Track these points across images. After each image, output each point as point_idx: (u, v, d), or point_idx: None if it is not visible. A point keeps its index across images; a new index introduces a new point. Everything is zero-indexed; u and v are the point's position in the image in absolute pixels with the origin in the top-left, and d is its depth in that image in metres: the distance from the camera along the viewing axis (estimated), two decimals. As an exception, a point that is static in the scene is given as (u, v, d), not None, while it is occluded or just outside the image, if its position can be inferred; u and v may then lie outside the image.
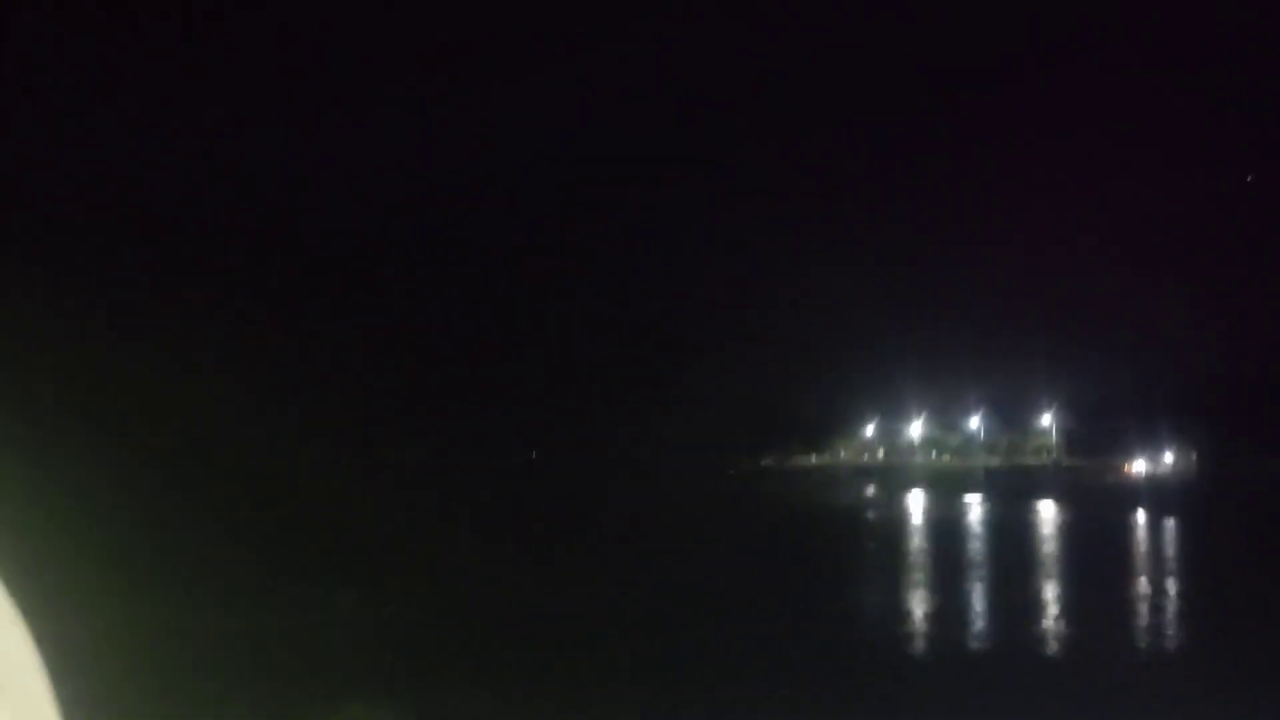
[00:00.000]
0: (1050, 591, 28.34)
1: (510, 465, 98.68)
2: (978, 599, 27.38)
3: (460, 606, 23.15)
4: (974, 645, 21.11)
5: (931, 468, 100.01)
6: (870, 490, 77.06)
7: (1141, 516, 52.27)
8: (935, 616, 24.96)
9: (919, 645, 21.15)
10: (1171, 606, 26.30)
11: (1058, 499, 62.98)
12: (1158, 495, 63.13)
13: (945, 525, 50.64)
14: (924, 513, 59.83)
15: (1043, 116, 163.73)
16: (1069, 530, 48.33)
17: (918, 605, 26.44)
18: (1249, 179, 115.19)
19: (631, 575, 29.20)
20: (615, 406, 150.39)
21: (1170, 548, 42.27)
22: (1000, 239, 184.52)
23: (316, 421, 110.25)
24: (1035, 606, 25.54)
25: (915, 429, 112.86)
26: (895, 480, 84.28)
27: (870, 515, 57.68)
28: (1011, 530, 47.51)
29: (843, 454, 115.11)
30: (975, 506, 60.56)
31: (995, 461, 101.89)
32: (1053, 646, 20.74)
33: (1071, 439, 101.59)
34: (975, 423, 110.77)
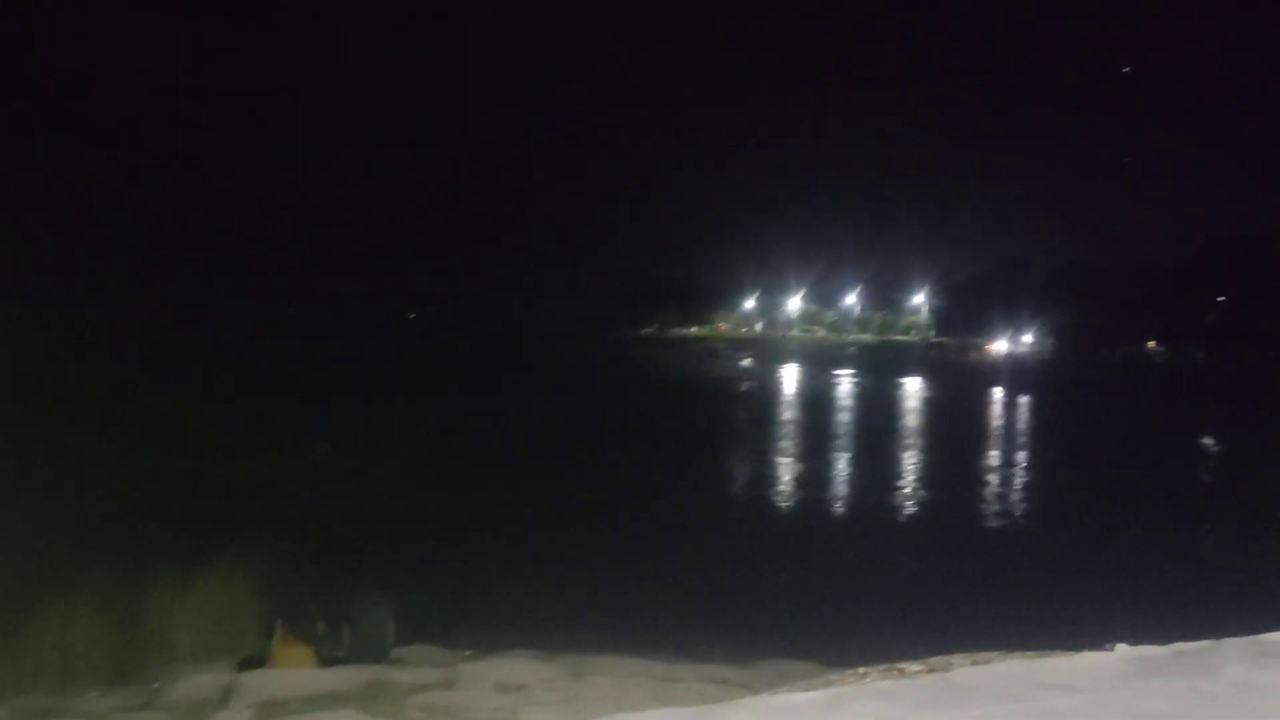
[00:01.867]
0: (890, 458, 29.93)
1: (393, 325, 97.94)
2: (828, 465, 28.84)
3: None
4: (820, 505, 22.39)
5: (807, 342, 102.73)
6: (745, 362, 78.89)
7: (995, 394, 55.16)
8: (790, 479, 26.26)
9: (772, 505, 22.31)
10: (1000, 475, 28.19)
11: (921, 375, 65.88)
12: (1014, 374, 66.64)
13: (811, 397, 52.53)
14: (795, 385, 61.76)
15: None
16: (924, 404, 50.86)
17: (775, 470, 27.70)
18: (1125, 70, 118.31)
19: (507, 432, 29.78)
20: (496, 272, 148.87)
21: (1018, 422, 44.92)
22: (886, 117, 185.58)
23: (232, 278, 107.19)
24: (874, 471, 27.09)
25: (793, 304, 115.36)
26: (771, 353, 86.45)
27: (743, 386, 59.29)
28: (871, 403, 49.67)
29: (722, 326, 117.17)
30: (844, 381, 62.70)
31: (868, 338, 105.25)
32: (886, 508, 22.12)
33: (940, 318, 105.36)
34: (851, 300, 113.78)
